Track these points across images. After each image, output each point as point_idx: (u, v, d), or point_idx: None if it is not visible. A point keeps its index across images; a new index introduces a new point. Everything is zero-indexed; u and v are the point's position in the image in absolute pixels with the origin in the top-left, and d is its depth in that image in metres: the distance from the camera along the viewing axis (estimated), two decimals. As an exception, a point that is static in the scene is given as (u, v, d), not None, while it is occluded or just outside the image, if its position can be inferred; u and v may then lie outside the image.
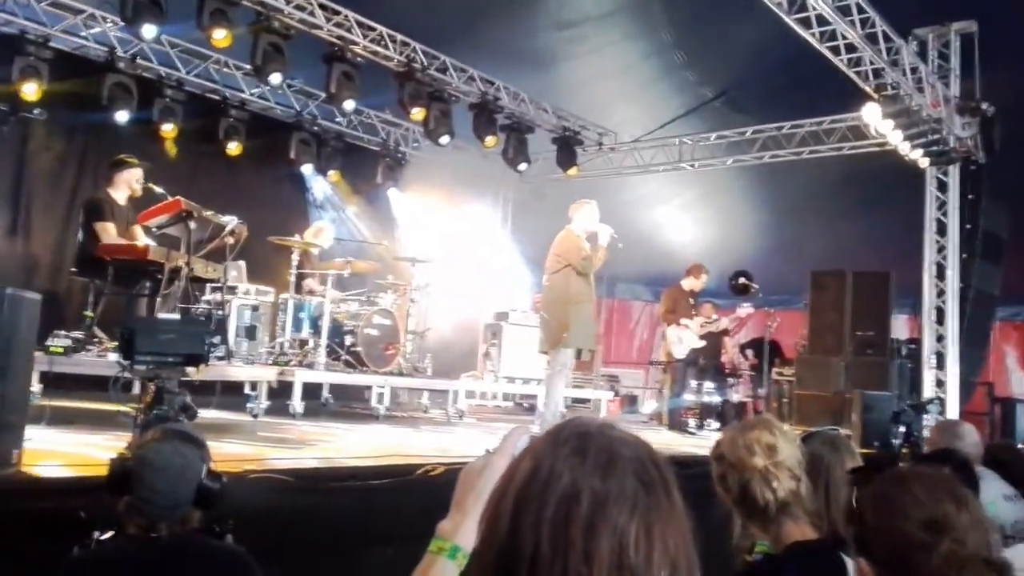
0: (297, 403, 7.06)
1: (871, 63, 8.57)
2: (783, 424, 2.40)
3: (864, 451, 7.99)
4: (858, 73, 8.67)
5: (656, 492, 1.02)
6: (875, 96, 8.85)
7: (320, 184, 11.42)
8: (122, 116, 9.02)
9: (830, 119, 11.10)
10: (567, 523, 0.98)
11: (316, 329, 7.97)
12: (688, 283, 9.82)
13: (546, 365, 7.46)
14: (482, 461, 1.35)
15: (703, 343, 9.78)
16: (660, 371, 10.85)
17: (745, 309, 11.16)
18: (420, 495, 4.51)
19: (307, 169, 10.99)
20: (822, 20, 7.99)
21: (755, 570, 2.30)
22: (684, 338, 9.52)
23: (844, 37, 8.17)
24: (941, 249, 9.89)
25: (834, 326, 10.15)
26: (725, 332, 11.58)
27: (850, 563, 2.11)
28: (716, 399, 10.78)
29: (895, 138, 9.13)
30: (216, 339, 6.13)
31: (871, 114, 8.94)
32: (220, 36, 7.97)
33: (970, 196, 9.91)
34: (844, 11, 8.07)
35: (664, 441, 8.21)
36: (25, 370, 3.51)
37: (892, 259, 10.63)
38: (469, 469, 1.36)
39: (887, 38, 8.60)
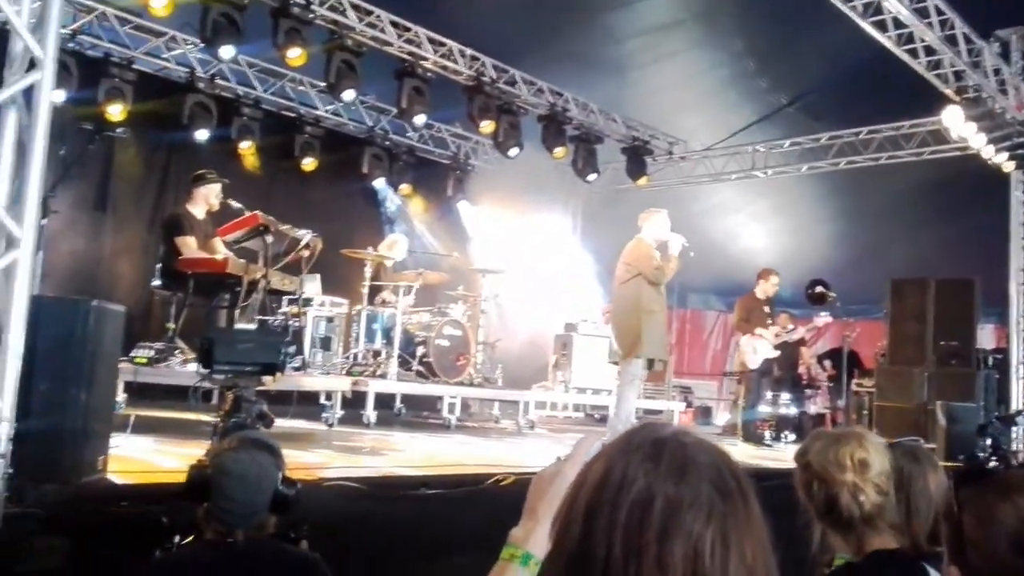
0: (370, 413, 7.15)
1: (951, 65, 8.35)
2: (873, 434, 2.35)
3: (948, 464, 7.74)
4: (938, 76, 8.45)
5: (733, 500, 1.01)
6: (956, 99, 8.60)
7: (392, 198, 11.57)
8: (202, 134, 9.32)
9: (909, 123, 10.82)
10: (641, 528, 0.98)
11: (389, 340, 8.07)
12: (761, 290, 9.61)
13: (616, 376, 7.40)
14: (554, 468, 1.35)
15: (778, 353, 9.58)
16: (734, 382, 10.66)
17: (823, 318, 10.89)
18: (490, 505, 4.53)
19: (379, 183, 11.16)
20: (899, 23, 7.82)
21: (834, 578, 2.25)
22: (759, 348, 9.34)
23: (922, 39, 7.98)
24: (1029, 255, 9.54)
25: (916, 336, 9.84)
26: (802, 342, 11.34)
27: (934, 573, 2.05)
28: (793, 411, 10.55)
29: (978, 142, 8.84)
30: (291, 349, 6.29)
31: (952, 117, 8.68)
32: (295, 55, 8.19)
33: (1058, 200, 9.55)
34: (922, 13, 7.87)
35: (739, 453, 8.07)
36: (110, 380, 3.64)
37: (976, 267, 10.28)
38: (541, 476, 1.36)
39: (967, 40, 8.37)
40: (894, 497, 2.24)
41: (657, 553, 0.97)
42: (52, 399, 3.20)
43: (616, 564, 0.97)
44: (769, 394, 10.13)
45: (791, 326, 10.71)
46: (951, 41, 8.21)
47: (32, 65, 3.12)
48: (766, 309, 9.63)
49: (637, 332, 6.98)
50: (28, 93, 3.11)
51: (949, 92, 8.59)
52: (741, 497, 1.02)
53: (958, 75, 8.46)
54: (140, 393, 6.40)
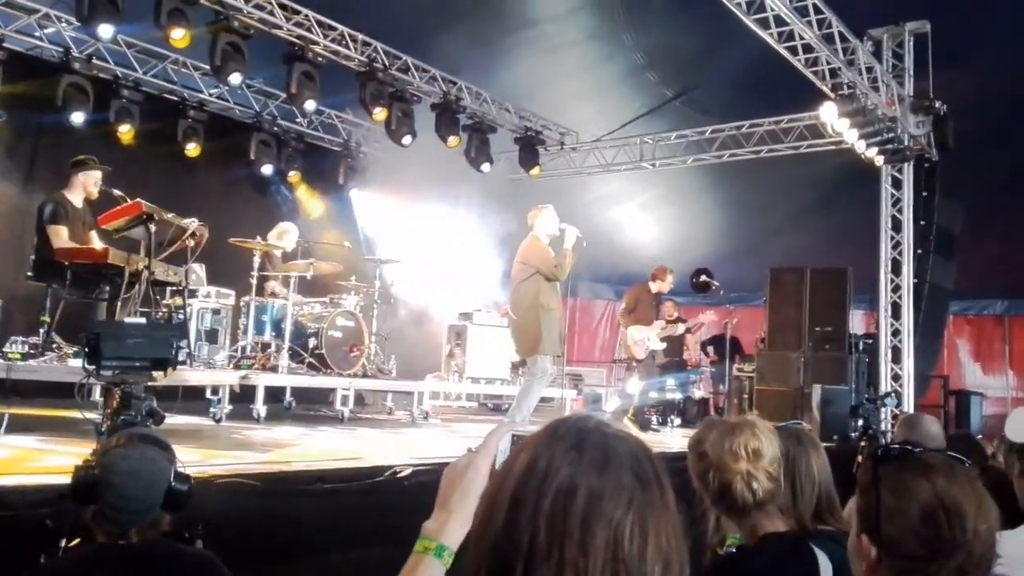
0: (260, 407, 6.99)
1: (828, 63, 8.71)
2: (764, 422, 2.44)
3: (822, 445, 8.13)
4: (815, 73, 8.81)
5: (651, 488, 1.05)
6: (832, 95, 9.00)
7: (283, 185, 11.32)
8: (77, 117, 8.89)
9: (788, 118, 11.26)
10: (564, 515, 1.01)
11: (279, 332, 7.91)
12: (655, 286, 9.89)
13: (524, 371, 7.50)
14: (466, 460, 1.36)
15: (664, 345, 9.89)
16: (623, 369, 10.89)
17: (706, 315, 11.37)
18: (388, 497, 4.51)
19: (267, 170, 10.88)
20: (780, 21, 8.10)
21: (728, 562, 2.34)
22: (646, 340, 9.60)
23: (801, 37, 8.30)
24: (896, 245, 10.09)
25: (793, 322, 10.28)
26: (687, 330, 11.71)
27: (820, 553, 2.16)
28: (678, 396, 10.88)
29: (851, 137, 9.28)
30: (183, 343, 6.06)
31: (828, 113, 9.09)
32: (178, 36, 7.87)
33: (924, 193, 10.12)
34: (801, 12, 8.19)
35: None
36: (-15, 377, 3.45)
37: (849, 255, 10.80)
38: (453, 468, 1.37)
39: (843, 38, 8.76)
40: (783, 481, 2.34)
41: (580, 539, 1.00)
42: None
43: (540, 550, 0.99)
44: (655, 380, 10.45)
45: (675, 314, 11.07)
46: (828, 39, 8.58)
47: None
48: (655, 302, 9.91)
49: (537, 330, 7.07)
50: None
51: (825, 89, 8.97)
52: (658, 486, 1.06)
53: (834, 72, 8.84)
54: (13, 390, 6.09)
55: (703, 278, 10.97)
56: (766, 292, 10.87)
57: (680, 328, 10.37)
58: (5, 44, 8.52)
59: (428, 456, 5.49)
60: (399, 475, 4.69)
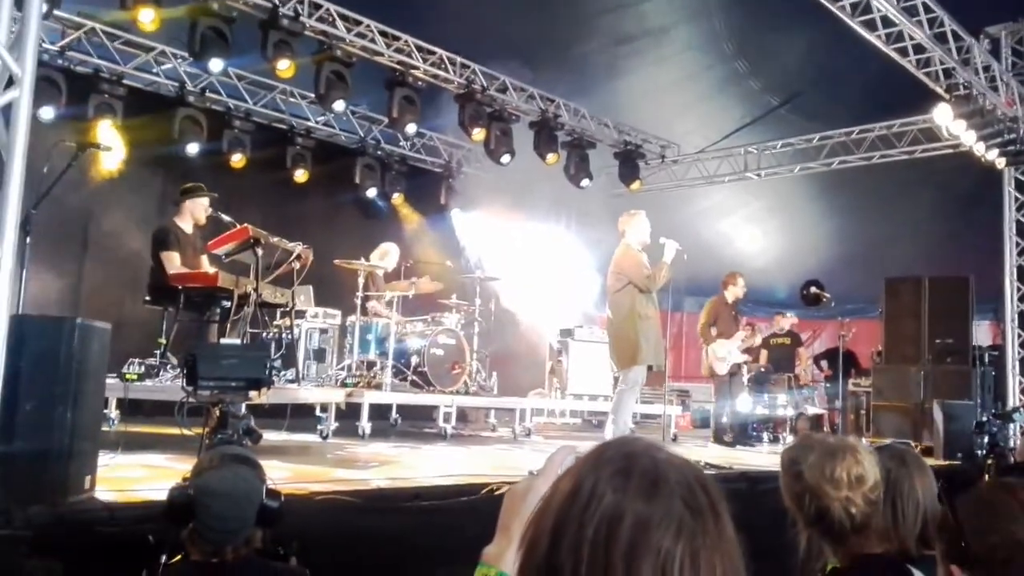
0: (365, 424, 7.12)
1: (941, 63, 8.36)
2: (861, 440, 2.32)
3: (946, 463, 7.72)
4: (928, 74, 8.46)
5: (704, 517, 0.98)
6: (946, 97, 8.61)
7: (386, 207, 11.55)
8: (193, 148, 9.30)
9: (900, 122, 10.83)
10: (608, 545, 0.95)
11: (383, 350, 8.04)
12: (730, 294, 9.61)
13: (616, 382, 7.39)
14: (526, 483, 1.32)
15: (747, 357, 9.62)
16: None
17: (787, 319, 11.02)
18: (485, 515, 4.49)
19: (372, 193, 11.14)
20: (888, 22, 7.83)
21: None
22: (727, 354, 9.34)
23: (911, 38, 7.98)
24: (1023, 251, 9.53)
25: (911, 334, 9.83)
26: (798, 342, 11.40)
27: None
28: (790, 412, 10.53)
29: (969, 139, 8.86)
30: (278, 362, 6.25)
31: (943, 115, 8.70)
32: (284, 67, 8.19)
33: (1051, 195, 9.56)
34: (911, 11, 7.89)
35: (724, 455, 8.05)
36: (96, 398, 3.61)
37: (972, 263, 10.29)
38: (513, 492, 1.32)
39: (957, 37, 8.38)
40: (882, 504, 2.22)
41: (625, 570, 0.94)
42: (37, 419, 3.17)
43: None
44: (766, 396, 10.17)
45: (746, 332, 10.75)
46: (940, 39, 8.23)
47: (10, 82, 3.10)
48: (733, 313, 9.64)
49: (634, 340, 6.96)
50: (6, 111, 3.10)
51: (939, 90, 8.60)
52: (712, 514, 1.00)
53: (948, 72, 8.48)
54: (134, 409, 6.38)
55: (813, 290, 10.63)
56: (882, 303, 10.44)
57: (758, 338, 10.03)
58: (125, 81, 9.00)
59: (527, 473, 5.46)
60: (496, 492, 4.68)
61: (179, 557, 2.67)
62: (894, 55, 8.13)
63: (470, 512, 4.52)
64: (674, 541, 0.95)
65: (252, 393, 3.22)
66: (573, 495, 1.00)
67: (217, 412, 3.09)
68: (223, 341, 5.46)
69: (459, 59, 9.76)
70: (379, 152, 11.27)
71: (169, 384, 6.03)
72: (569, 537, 0.97)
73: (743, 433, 9.73)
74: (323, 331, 8.40)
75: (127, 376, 5.87)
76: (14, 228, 2.94)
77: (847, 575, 2.17)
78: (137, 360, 6.25)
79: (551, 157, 10.67)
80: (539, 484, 1.31)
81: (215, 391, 3.14)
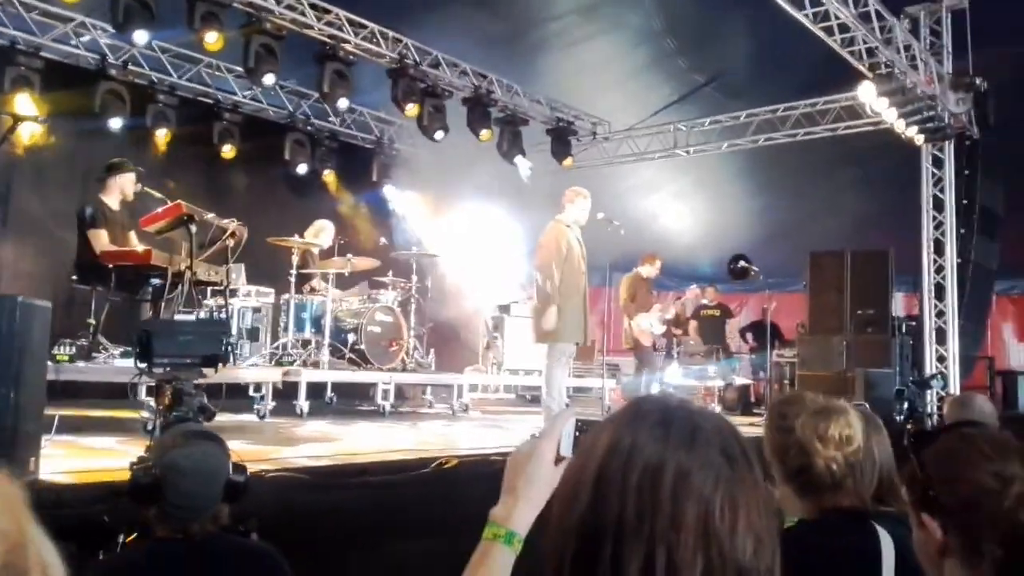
0: (303, 403, 7.06)
1: (864, 42, 8.58)
2: (853, 407, 2.42)
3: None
4: (852, 53, 8.68)
5: (739, 465, 1.03)
6: (869, 75, 8.86)
7: (318, 183, 11.38)
8: (116, 123, 9.02)
9: (824, 100, 11.11)
10: (653, 491, 0.99)
11: (319, 328, 7.96)
12: (646, 271, 9.89)
13: (544, 356, 7.39)
14: (529, 445, 1.36)
15: (663, 328, 9.99)
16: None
17: (691, 290, 11.43)
18: (435, 488, 4.53)
19: (302, 169, 10.95)
20: (815, 1, 7.99)
21: (790, 537, 2.32)
22: (651, 327, 9.62)
23: (837, 17, 8.17)
24: (939, 225, 9.93)
25: (834, 306, 10.16)
26: (728, 314, 11.73)
27: (882, 532, 2.13)
28: (719, 382, 10.81)
29: (890, 116, 9.15)
30: (232, 339, 6.14)
31: (866, 93, 8.96)
32: (212, 39, 7.97)
33: (966, 172, 9.95)
34: (836, -10, 8.08)
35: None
36: (38, 378, 3.51)
37: (891, 237, 10.65)
38: (517, 454, 1.36)
39: (879, 16, 8.61)
40: (859, 464, 2.32)
41: (671, 514, 0.98)
42: (-21, 400, 3.08)
43: (630, 525, 0.98)
44: (696, 367, 10.46)
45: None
46: (864, 18, 8.44)
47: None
48: (649, 288, 9.96)
49: (554, 315, 6.93)
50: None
51: (863, 68, 8.84)
52: (746, 463, 1.05)
53: (871, 51, 8.71)
54: (62, 392, 6.19)
55: (741, 264, 10.89)
56: (806, 276, 10.75)
57: (669, 312, 10.36)
58: (43, 53, 8.65)
59: (472, 448, 5.51)
60: (445, 466, 4.72)
61: (136, 536, 2.63)
62: (820, 34, 8.32)
63: (417, 486, 4.55)
64: (714, 487, 1.00)
65: (207, 370, 3.17)
66: (614, 448, 1.03)
67: (170, 390, 3.03)
68: (177, 317, 5.33)
69: (391, 33, 9.63)
70: (309, 127, 11.08)
71: (103, 365, 5.88)
72: (614, 486, 1.00)
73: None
74: (256, 310, 8.26)
75: (58, 357, 5.70)
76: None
77: (814, 526, 2.26)
78: (68, 341, 6.05)
79: (484, 133, 10.65)
80: (542, 445, 1.34)
81: (169, 368, 3.08)
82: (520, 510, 1.30)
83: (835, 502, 2.27)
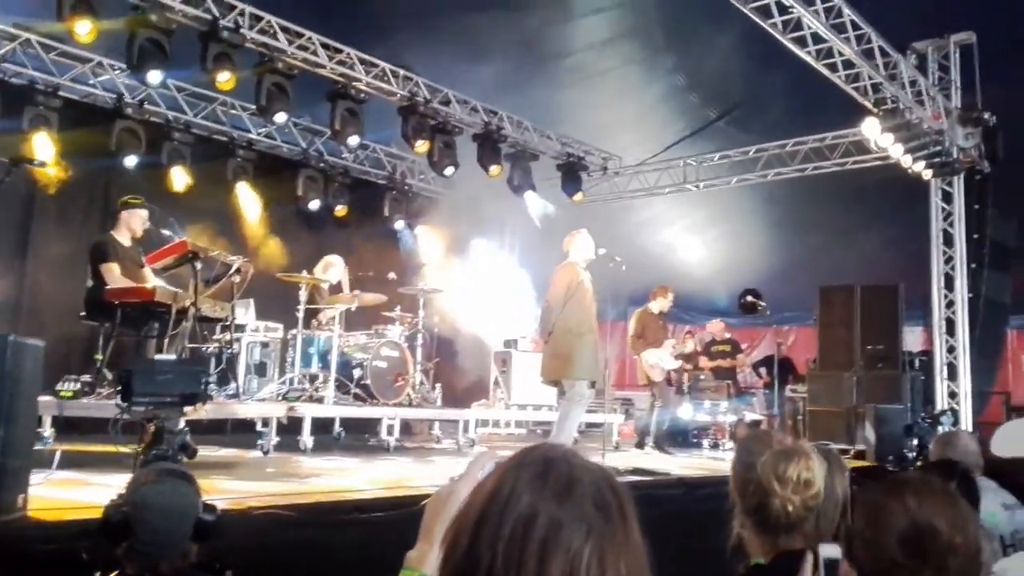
0: (307, 438, 7.09)
1: (869, 78, 8.62)
2: (815, 451, 2.43)
3: (877, 465, 7.95)
4: (856, 88, 8.73)
5: (612, 519, 1.05)
6: (874, 110, 8.89)
7: (331, 220, 11.51)
8: (131, 161, 9.18)
9: (832, 135, 11.14)
10: (523, 542, 1.02)
11: (325, 364, 8.02)
12: (657, 305, 9.86)
13: (560, 396, 7.43)
14: (448, 488, 1.37)
15: (677, 364, 9.92)
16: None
17: (715, 325, 11.37)
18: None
19: (315, 205, 11.08)
20: (818, 38, 8.07)
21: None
22: (660, 362, 9.57)
23: (841, 54, 8.23)
24: (949, 260, 9.89)
25: (844, 341, 10.11)
26: (738, 350, 11.68)
27: None
28: (731, 418, 10.75)
29: (896, 151, 9.16)
30: (213, 377, 6.22)
31: (870, 128, 8.99)
32: (224, 79, 8.12)
33: (976, 206, 9.92)
34: (839, 28, 8.15)
35: (664, 462, 8.20)
36: (29, 415, 3.58)
37: (902, 272, 10.61)
38: (436, 497, 1.38)
39: (884, 53, 8.66)
40: (817, 509, 2.33)
41: (536, 567, 1.00)
42: (-33, 438, 3.15)
43: (498, 574, 1.01)
44: (708, 403, 10.42)
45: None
46: (868, 55, 8.50)
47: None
48: (661, 323, 9.86)
49: (565, 355, 7.02)
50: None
51: (868, 104, 8.87)
52: (620, 517, 1.07)
53: (876, 87, 8.75)
54: (68, 427, 6.29)
55: (749, 298, 10.89)
56: (816, 311, 10.71)
57: (689, 344, 10.35)
58: (61, 92, 8.87)
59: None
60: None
61: (114, 574, 2.68)
62: (824, 71, 8.38)
63: (410, 524, 4.56)
64: (583, 541, 1.02)
65: (188, 408, 3.23)
66: (494, 495, 1.07)
67: (152, 428, 3.09)
68: (158, 357, 5.41)
69: (402, 72, 9.79)
70: (322, 164, 11.23)
71: (105, 402, 5.97)
72: (488, 534, 1.04)
73: (683, 439, 9.96)
74: (264, 345, 8.35)
75: (62, 393, 5.79)
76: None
77: (768, 570, 2.27)
78: (73, 377, 6.15)
79: (494, 169, 10.75)
80: (460, 488, 1.37)
81: (150, 407, 3.15)
82: (434, 554, 1.33)
83: (790, 544, 2.28)
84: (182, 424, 3.53)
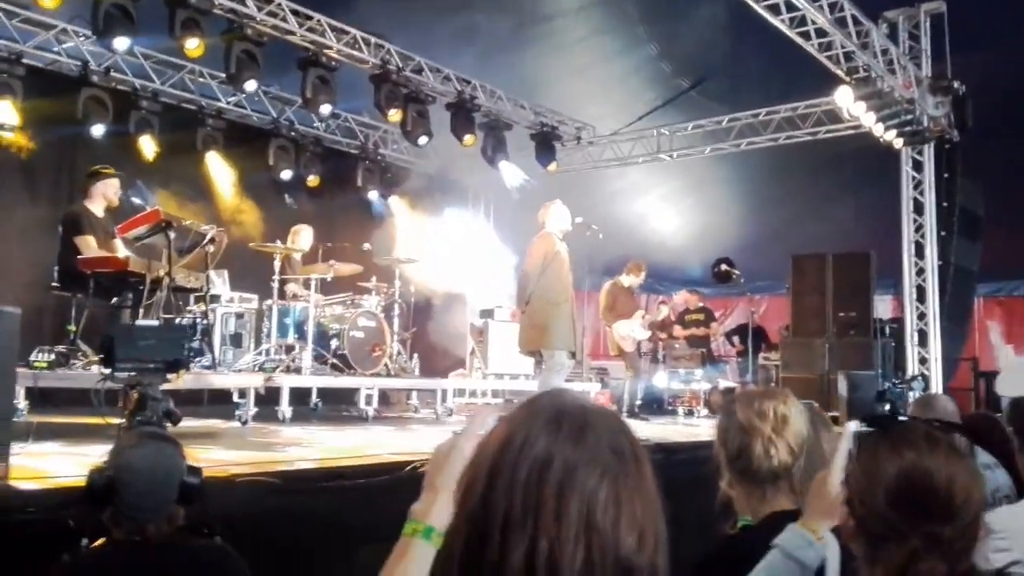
0: (285, 408, 7.06)
1: (842, 47, 8.65)
2: (796, 399, 2.43)
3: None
4: (829, 57, 8.75)
5: (626, 461, 1.07)
6: (847, 79, 8.93)
7: (303, 190, 11.39)
8: (98, 130, 9.00)
9: (805, 104, 11.17)
10: (540, 485, 1.02)
11: (301, 334, 7.98)
12: (628, 280, 10.01)
13: (538, 365, 7.47)
14: (450, 442, 1.38)
15: (648, 334, 10.11)
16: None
17: (683, 295, 11.53)
18: (409, 492, 4.54)
19: (286, 175, 10.95)
20: (791, 6, 8.06)
21: (734, 541, 2.35)
22: (632, 333, 9.70)
23: (814, 22, 8.24)
24: (919, 228, 9.99)
25: (817, 309, 10.23)
26: (712, 318, 11.80)
27: (828, 534, 2.15)
28: (705, 386, 10.86)
29: (868, 120, 9.21)
30: (196, 343, 6.15)
31: (843, 97, 9.03)
32: (193, 45, 7.96)
33: (945, 175, 10.02)
34: (812, -4, 8.14)
35: (640, 429, 8.26)
36: (6, 386, 3.52)
37: (873, 240, 10.72)
38: (438, 450, 1.39)
39: (856, 21, 8.68)
40: (802, 462, 2.33)
41: (554, 508, 1.01)
42: (-55, 407, 3.09)
43: (516, 519, 1.02)
44: (682, 371, 10.53)
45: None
46: (841, 23, 8.51)
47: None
48: (631, 295, 10.07)
49: (542, 325, 7.06)
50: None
51: (840, 73, 8.91)
52: (634, 460, 1.08)
53: (848, 56, 8.78)
54: (43, 398, 6.21)
55: (723, 267, 10.95)
56: (789, 280, 10.81)
57: (663, 311, 10.50)
58: (24, 60, 8.65)
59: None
60: (420, 469, 4.73)
61: (102, 540, 2.65)
62: (797, 39, 8.39)
63: (392, 490, 4.56)
64: (598, 481, 1.03)
65: (170, 375, 3.19)
66: (507, 442, 1.07)
67: (136, 394, 3.05)
68: (139, 322, 5.35)
69: (373, 39, 9.65)
70: (293, 133, 11.10)
71: (82, 372, 5.89)
72: (504, 479, 1.04)
73: (658, 407, 10.08)
74: (239, 316, 8.28)
75: (36, 364, 5.71)
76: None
77: (757, 531, 2.27)
78: (46, 348, 6.06)
79: (468, 139, 10.68)
80: (462, 441, 1.37)
81: (133, 373, 3.11)
82: (439, 505, 1.32)
83: (780, 504, 2.28)
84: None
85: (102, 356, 3.20)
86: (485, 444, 1.12)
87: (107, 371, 3.20)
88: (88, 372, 5.91)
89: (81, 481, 3.43)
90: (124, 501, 2.46)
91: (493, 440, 1.10)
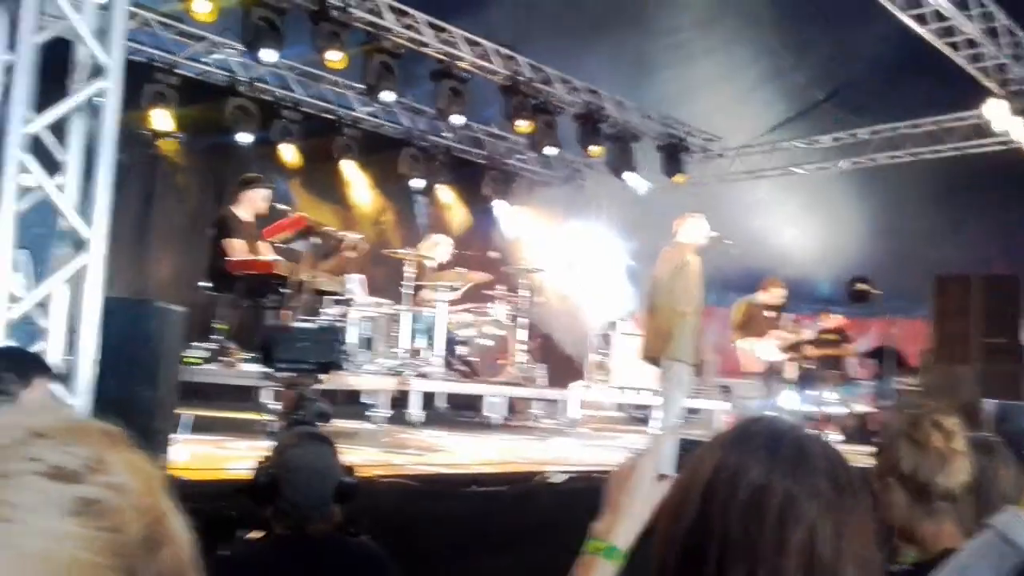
0: (416, 412, 7.18)
1: (993, 58, 8.25)
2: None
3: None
4: (979, 69, 8.36)
5: (846, 493, 1.05)
6: (999, 92, 8.50)
7: (432, 198, 11.62)
8: (244, 137, 9.42)
9: (950, 117, 10.67)
10: (759, 511, 1.01)
11: (430, 340, 8.11)
12: (762, 297, 9.62)
13: (661, 377, 7.37)
14: (631, 463, 1.39)
15: (783, 356, 9.60)
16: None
17: (833, 319, 10.98)
18: (540, 502, 4.57)
19: (418, 184, 11.20)
20: (940, 15, 7.75)
21: (902, 577, 2.24)
22: (755, 351, 9.35)
23: (963, 32, 7.88)
24: (1073, 250, 9.41)
25: (960, 333, 9.74)
26: (846, 339, 11.36)
27: None
28: (840, 410, 10.47)
29: (1021, 135, 8.73)
30: (345, 347, 6.35)
31: (994, 111, 8.59)
32: (335, 57, 8.29)
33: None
34: (962, 5, 7.79)
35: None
36: (172, 379, 3.71)
37: (1019, 262, 10.15)
38: (619, 471, 1.40)
39: (1009, 32, 8.26)
40: (972, 496, 2.19)
41: (775, 538, 1.00)
42: (120, 398, 3.27)
43: (734, 541, 1.00)
44: (814, 393, 10.16)
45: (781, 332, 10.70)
46: (992, 34, 8.12)
47: (97, 71, 3.19)
48: (765, 315, 9.59)
49: (669, 333, 6.96)
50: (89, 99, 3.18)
51: (992, 85, 8.49)
52: (852, 491, 1.06)
53: (1000, 68, 8.36)
54: (190, 393, 6.51)
55: (860, 286, 10.53)
56: (930, 301, 10.34)
57: (806, 333, 10.04)
58: (178, 70, 9.14)
59: (579, 463, 5.53)
60: (549, 480, 4.75)
61: (261, 533, 2.76)
62: (946, 50, 8.05)
63: (525, 499, 4.59)
64: (819, 514, 1.01)
65: (323, 376, 3.30)
66: (720, 467, 1.06)
67: (293, 394, 3.17)
68: (297, 324, 5.55)
69: (504, 50, 9.79)
70: (424, 143, 11.33)
71: (229, 368, 6.15)
72: (718, 503, 1.03)
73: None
74: (372, 320, 8.47)
75: (189, 360, 5.99)
76: (105, 214, 3.04)
77: (927, 568, 2.16)
78: (198, 344, 6.37)
79: (595, 149, 10.68)
80: (644, 462, 1.37)
81: (293, 373, 3.22)
82: (621, 525, 1.33)
83: (949, 537, 2.15)
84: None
85: (260, 355, 3.33)
86: (694, 468, 1.11)
87: (268, 370, 3.33)
88: (235, 370, 6.17)
89: (238, 474, 3.59)
90: (285, 498, 2.56)
91: (704, 465, 1.09)
